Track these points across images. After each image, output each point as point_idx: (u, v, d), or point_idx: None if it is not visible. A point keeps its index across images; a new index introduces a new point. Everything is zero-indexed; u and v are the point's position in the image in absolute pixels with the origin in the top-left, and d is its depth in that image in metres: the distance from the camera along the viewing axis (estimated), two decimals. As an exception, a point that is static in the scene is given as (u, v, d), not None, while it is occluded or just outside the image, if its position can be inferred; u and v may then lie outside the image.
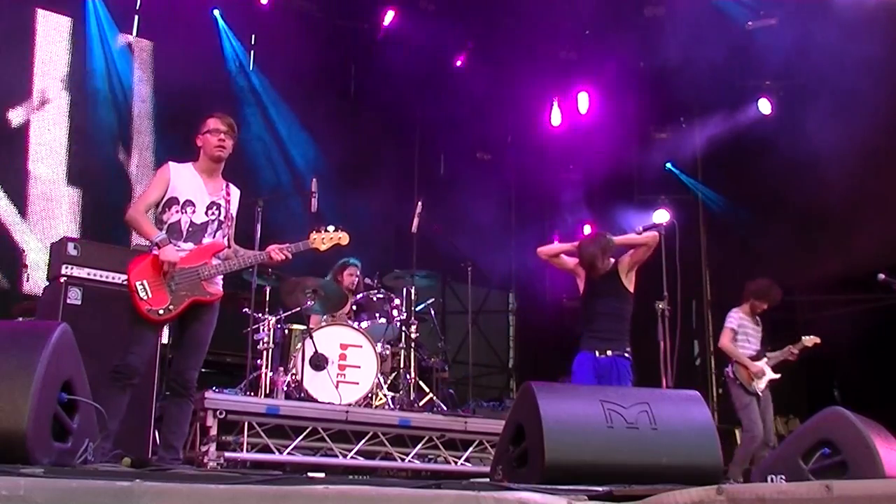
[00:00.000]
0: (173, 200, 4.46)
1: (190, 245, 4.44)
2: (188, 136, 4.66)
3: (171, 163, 4.56)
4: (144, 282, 4.26)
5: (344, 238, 4.88)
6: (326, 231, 4.83)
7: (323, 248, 4.83)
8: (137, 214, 4.40)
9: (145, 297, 4.25)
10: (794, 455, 3.69)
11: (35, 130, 8.23)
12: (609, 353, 5.43)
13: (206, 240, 4.50)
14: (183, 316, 4.38)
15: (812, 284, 9.37)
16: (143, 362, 4.30)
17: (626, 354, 5.49)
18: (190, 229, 4.46)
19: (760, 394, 6.82)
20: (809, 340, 6.98)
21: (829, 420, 3.77)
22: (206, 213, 4.52)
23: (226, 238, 4.60)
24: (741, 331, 6.95)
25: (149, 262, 4.32)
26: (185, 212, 4.46)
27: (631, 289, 5.64)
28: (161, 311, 4.26)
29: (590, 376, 5.36)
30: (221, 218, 4.56)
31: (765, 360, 6.91)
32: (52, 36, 8.47)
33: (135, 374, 4.22)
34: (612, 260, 5.68)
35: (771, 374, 6.91)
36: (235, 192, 4.71)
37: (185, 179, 4.50)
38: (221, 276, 4.55)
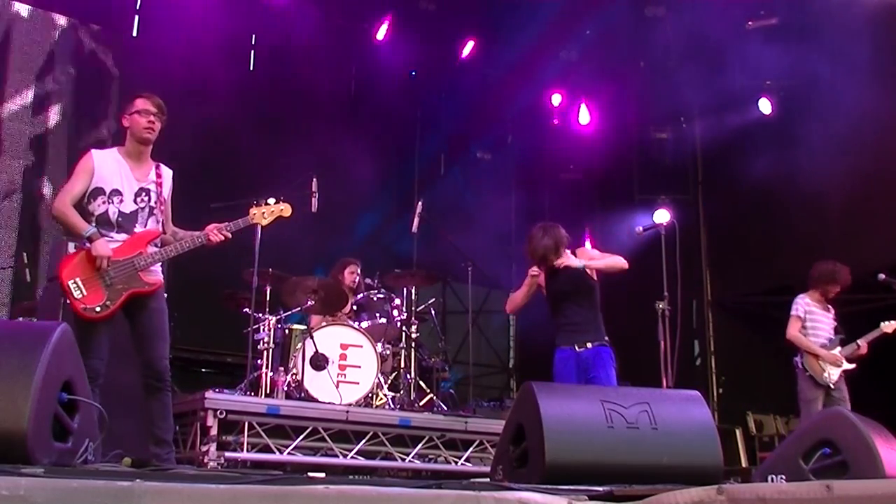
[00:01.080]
0: (99, 191, 4.25)
1: (123, 236, 4.26)
2: (189, 135, 4.62)
3: (93, 151, 4.36)
4: (77, 279, 4.10)
5: (286, 210, 4.72)
6: (267, 204, 4.68)
7: (264, 222, 4.68)
8: (64, 208, 4.20)
9: (80, 296, 4.08)
10: (794, 455, 3.68)
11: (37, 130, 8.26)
12: (589, 345, 5.30)
13: (138, 228, 4.31)
14: (127, 310, 4.22)
15: (812, 284, 9.36)
16: (103, 362, 4.15)
17: (606, 342, 5.35)
18: (120, 219, 4.26)
19: (832, 385, 6.32)
20: (889, 326, 6.40)
21: (830, 420, 3.77)
22: (136, 202, 4.32)
23: (159, 223, 4.42)
24: (809, 318, 6.49)
25: (81, 258, 4.16)
26: (112, 202, 4.26)
27: (595, 277, 5.47)
28: (98, 309, 4.09)
29: (572, 373, 5.24)
30: (152, 204, 4.36)
31: (838, 349, 6.41)
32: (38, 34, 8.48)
33: (98, 375, 4.09)
34: (573, 252, 5.49)
35: (845, 365, 6.37)
36: (167, 173, 4.50)
37: (109, 167, 4.30)
38: (160, 265, 4.39)
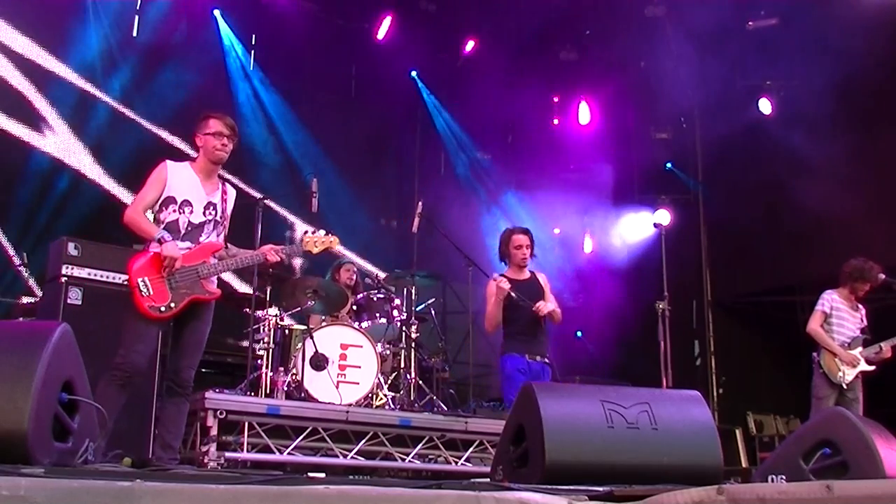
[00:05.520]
0: (170, 200, 4.41)
1: (187, 244, 4.42)
2: (188, 136, 4.64)
3: (167, 161, 4.51)
4: (146, 278, 4.25)
5: (335, 242, 4.93)
6: (318, 234, 4.90)
7: (315, 250, 4.88)
8: (136, 215, 4.36)
9: (147, 294, 4.23)
10: (794, 455, 3.68)
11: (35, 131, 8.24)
12: (538, 358, 5.47)
13: (203, 239, 4.48)
14: (180, 315, 4.36)
15: (812, 284, 9.37)
16: (146, 360, 4.30)
17: (549, 360, 5.53)
18: (188, 229, 4.44)
19: (846, 386, 6.17)
20: None
21: (830, 420, 3.77)
22: (204, 214, 4.50)
23: (220, 237, 4.59)
24: (835, 315, 6.33)
25: (150, 258, 4.29)
26: (183, 212, 4.43)
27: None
28: (163, 308, 4.26)
29: (522, 378, 5.33)
30: (218, 218, 4.55)
31: (859, 349, 6.25)
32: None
33: (138, 372, 4.22)
34: (534, 272, 5.72)
35: (863, 366, 6.22)
36: (232, 192, 4.69)
37: (182, 179, 4.47)
38: (216, 277, 4.55)
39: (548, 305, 5.48)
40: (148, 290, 4.24)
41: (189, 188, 4.47)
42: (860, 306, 6.49)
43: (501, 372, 5.56)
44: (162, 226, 4.38)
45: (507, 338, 5.56)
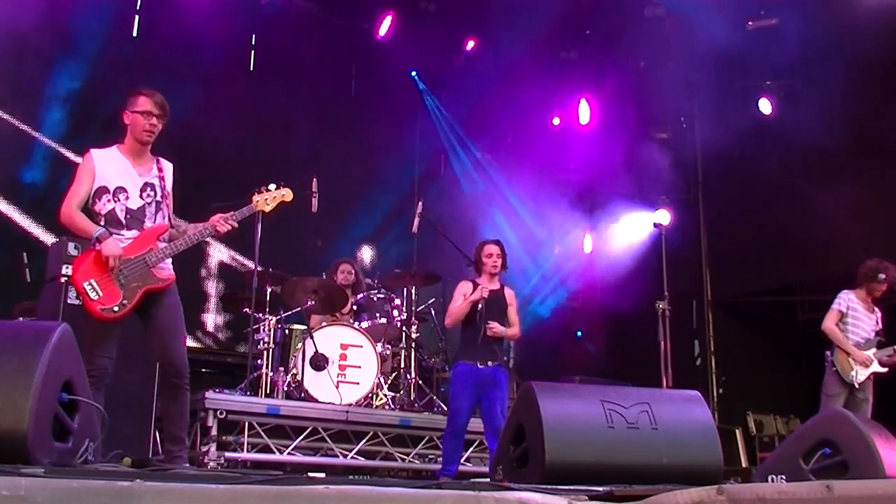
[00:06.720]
0: (103, 189, 4.21)
1: (133, 232, 4.23)
2: (187, 135, 4.58)
3: (92, 150, 4.30)
4: (92, 281, 4.05)
5: (288, 195, 4.70)
6: (268, 191, 4.65)
7: (268, 208, 4.65)
8: (71, 212, 4.14)
9: (96, 297, 4.04)
10: (794, 455, 3.68)
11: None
12: (490, 363, 5.53)
13: (147, 223, 4.28)
14: (141, 308, 4.17)
15: (812, 284, 9.37)
16: (112, 361, 4.14)
17: (502, 363, 5.61)
18: (128, 216, 4.22)
19: (857, 385, 6.15)
20: None
21: (830, 420, 3.77)
22: (142, 197, 4.27)
23: (166, 218, 4.38)
24: (851, 314, 6.30)
25: (93, 258, 4.09)
26: (118, 199, 4.20)
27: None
28: (116, 308, 4.06)
29: (468, 386, 5.47)
30: (158, 198, 4.33)
31: (873, 350, 6.21)
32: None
33: (107, 374, 4.10)
34: (504, 286, 5.81)
35: (876, 367, 6.18)
36: (168, 167, 4.43)
37: (110, 166, 4.25)
38: (170, 260, 4.33)
39: (499, 328, 5.59)
40: (97, 292, 4.05)
41: (120, 174, 4.26)
42: (876, 309, 6.46)
43: (451, 377, 5.71)
44: (101, 218, 4.19)
45: (462, 343, 5.67)
